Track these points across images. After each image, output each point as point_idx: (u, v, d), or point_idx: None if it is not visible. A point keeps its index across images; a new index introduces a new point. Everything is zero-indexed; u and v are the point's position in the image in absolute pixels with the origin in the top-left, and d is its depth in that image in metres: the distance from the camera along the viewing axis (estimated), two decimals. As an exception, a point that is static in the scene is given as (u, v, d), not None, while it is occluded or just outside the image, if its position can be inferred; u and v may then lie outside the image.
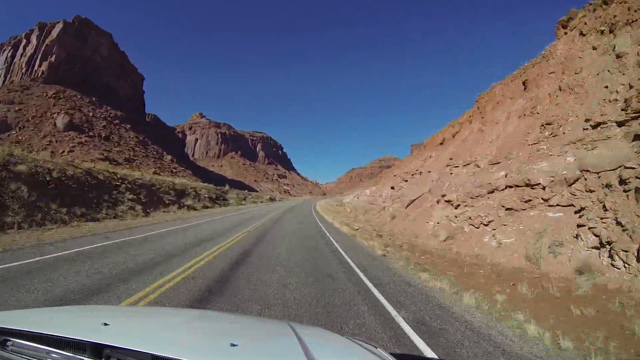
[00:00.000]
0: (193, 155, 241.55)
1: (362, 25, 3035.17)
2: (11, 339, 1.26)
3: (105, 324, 1.32)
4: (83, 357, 1.14)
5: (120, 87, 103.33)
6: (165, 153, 72.18)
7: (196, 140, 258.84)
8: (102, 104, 78.26)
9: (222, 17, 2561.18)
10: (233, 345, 1.14)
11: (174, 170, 62.58)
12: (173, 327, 1.54)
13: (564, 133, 12.68)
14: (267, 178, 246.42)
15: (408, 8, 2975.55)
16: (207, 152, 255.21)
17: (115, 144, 56.90)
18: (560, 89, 15.23)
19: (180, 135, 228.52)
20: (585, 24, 16.53)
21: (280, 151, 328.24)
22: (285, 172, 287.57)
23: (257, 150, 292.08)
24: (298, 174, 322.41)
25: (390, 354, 1.40)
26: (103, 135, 56.30)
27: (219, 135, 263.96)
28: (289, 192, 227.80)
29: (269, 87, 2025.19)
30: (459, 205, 14.69)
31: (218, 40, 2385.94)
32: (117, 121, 71.44)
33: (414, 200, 19.88)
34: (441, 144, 28.83)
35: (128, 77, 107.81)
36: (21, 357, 1.21)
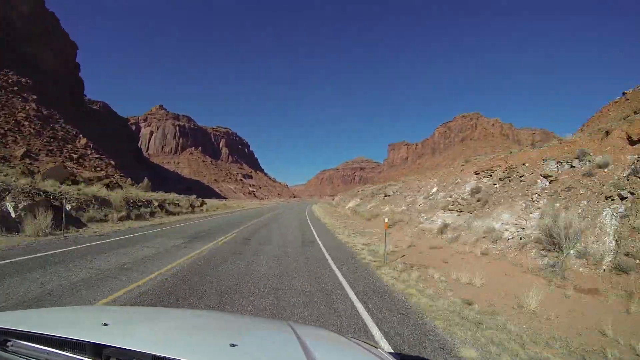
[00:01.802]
0: (147, 150, 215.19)
1: (335, 22, 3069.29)
2: (11, 339, 1.24)
3: (105, 324, 1.31)
4: (83, 357, 1.13)
5: (44, 55, 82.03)
6: (81, 136, 53.80)
7: (151, 133, 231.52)
8: (4, 67, 58.23)
9: (190, 7, 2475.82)
10: (233, 345, 1.14)
11: (82, 157, 44.91)
12: (173, 327, 1.51)
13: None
14: (230, 178, 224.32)
15: (384, 2, 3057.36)
16: (163, 147, 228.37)
17: (-10, 113, 38.90)
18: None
19: (134, 127, 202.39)
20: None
21: (246, 149, 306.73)
22: (251, 172, 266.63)
23: (220, 147, 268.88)
24: (266, 175, 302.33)
25: (390, 353, 1.39)
26: (-29, 99, 38.13)
27: (177, 128, 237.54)
28: (254, 194, 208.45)
29: (235, 84, 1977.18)
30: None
31: (188, 31, 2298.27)
32: (15, 88, 52.17)
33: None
34: None
35: (56, 44, 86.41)
36: (21, 357, 1.18)
